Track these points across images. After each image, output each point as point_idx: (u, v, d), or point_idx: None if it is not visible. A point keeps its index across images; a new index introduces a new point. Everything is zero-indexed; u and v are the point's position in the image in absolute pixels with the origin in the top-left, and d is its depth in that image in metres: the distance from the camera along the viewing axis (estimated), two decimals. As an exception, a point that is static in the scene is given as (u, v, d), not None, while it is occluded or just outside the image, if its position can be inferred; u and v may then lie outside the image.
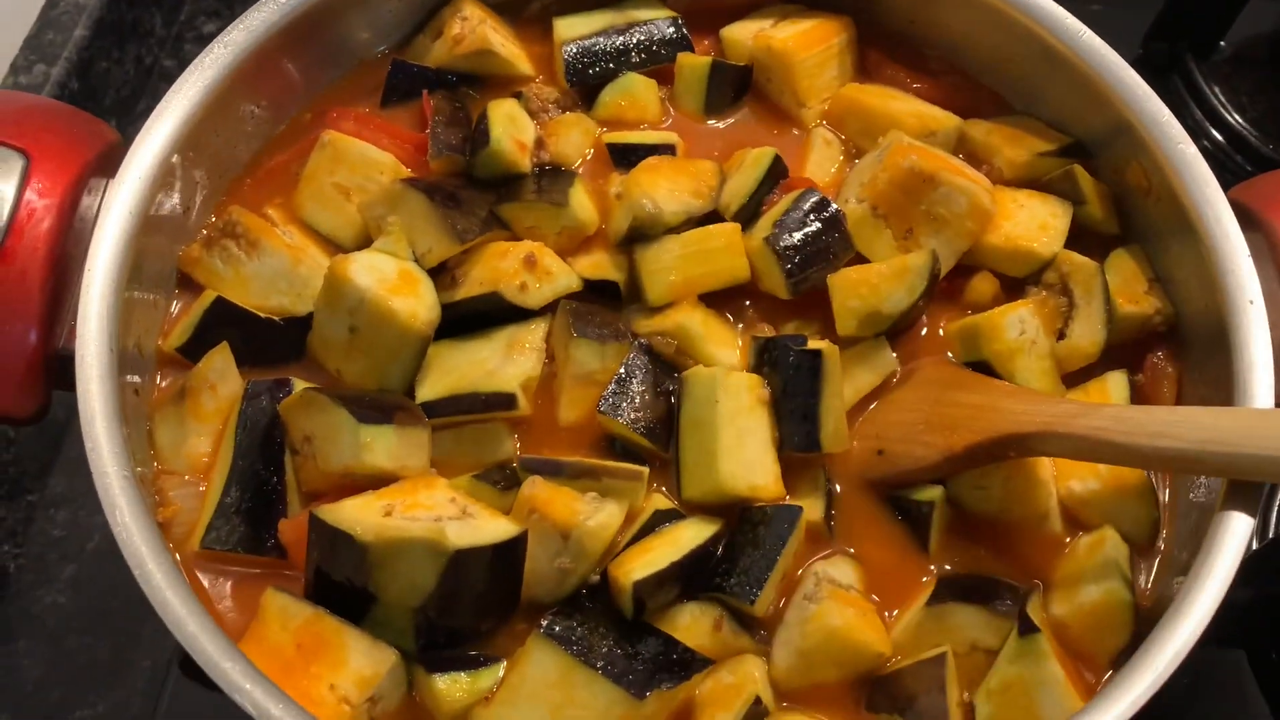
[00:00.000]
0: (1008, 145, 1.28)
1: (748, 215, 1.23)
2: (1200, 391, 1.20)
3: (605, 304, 1.20)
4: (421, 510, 1.01)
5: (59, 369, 1.08)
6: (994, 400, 1.10)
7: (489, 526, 1.01)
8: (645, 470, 1.10)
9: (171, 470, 1.12)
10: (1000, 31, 1.31)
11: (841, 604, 1.04)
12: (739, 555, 1.07)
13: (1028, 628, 1.03)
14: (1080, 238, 1.25)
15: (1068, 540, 1.14)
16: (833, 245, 1.20)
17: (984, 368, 1.18)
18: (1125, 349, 1.22)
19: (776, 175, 1.25)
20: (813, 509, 1.11)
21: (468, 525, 1.00)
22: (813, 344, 1.12)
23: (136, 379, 1.13)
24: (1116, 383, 1.19)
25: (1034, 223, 1.23)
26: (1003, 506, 1.13)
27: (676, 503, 1.12)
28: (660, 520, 1.09)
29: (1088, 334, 1.19)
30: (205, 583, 1.08)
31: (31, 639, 1.42)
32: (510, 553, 1.02)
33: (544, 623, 1.02)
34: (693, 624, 1.05)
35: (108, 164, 1.14)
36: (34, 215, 1.06)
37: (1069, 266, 1.21)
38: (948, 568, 1.13)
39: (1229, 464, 0.98)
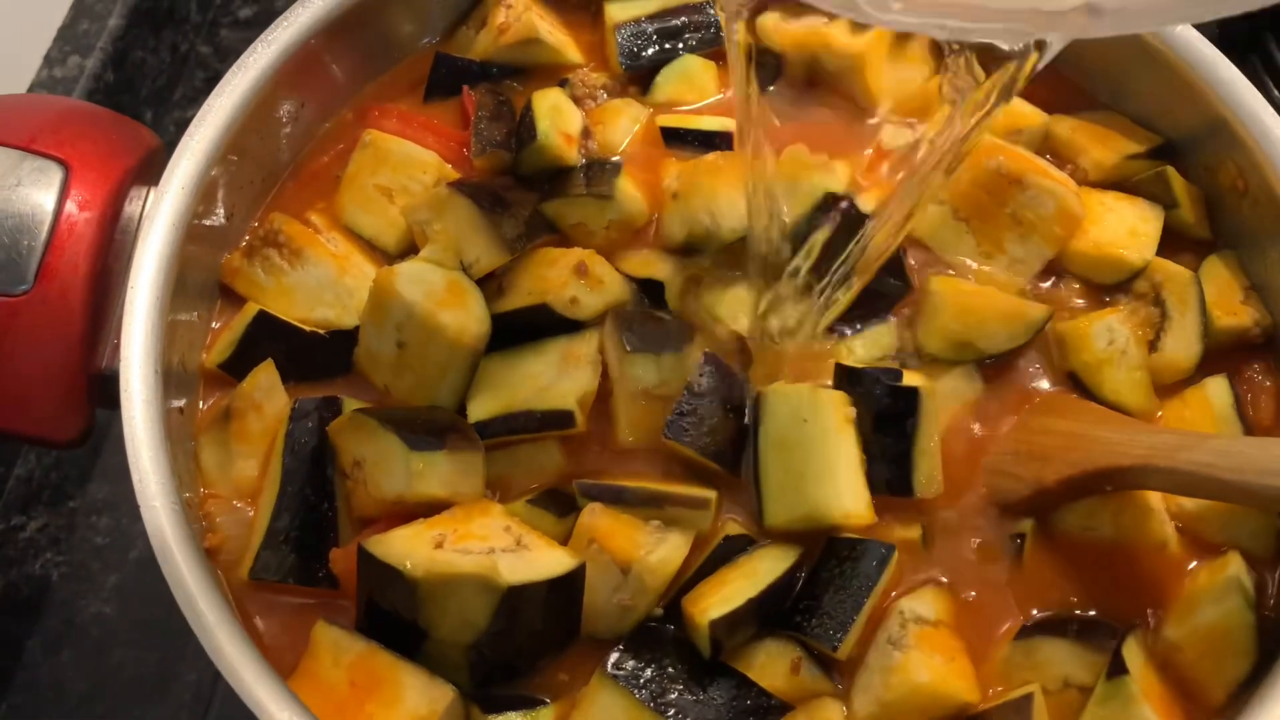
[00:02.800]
0: (1095, 145, 1.21)
1: (800, 239, 1.14)
2: (1302, 407, 1.13)
3: (655, 304, 1.14)
4: (474, 541, 0.96)
5: (101, 389, 1.04)
6: (1087, 428, 1.04)
7: (544, 559, 0.96)
8: (714, 496, 1.04)
9: (218, 494, 1.07)
10: (1087, 21, 1.23)
11: (928, 651, 0.98)
12: (822, 593, 1.00)
13: (1116, 669, 0.97)
14: (1168, 242, 1.18)
15: (1190, 565, 1.06)
16: (891, 292, 1.15)
17: (1072, 381, 1.11)
18: (1219, 359, 1.15)
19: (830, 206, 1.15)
20: (907, 530, 1.05)
21: (522, 559, 0.95)
22: (909, 379, 1.05)
23: (181, 400, 1.08)
24: (1218, 391, 1.11)
25: (1123, 228, 1.16)
26: (1115, 542, 1.06)
27: (750, 529, 1.05)
28: (731, 549, 1.03)
29: (1183, 347, 1.12)
30: (255, 613, 1.04)
31: (76, 650, 1.39)
32: (568, 587, 0.97)
33: (610, 661, 0.96)
34: (769, 663, 1.00)
35: (149, 171, 1.09)
36: (75, 230, 1.02)
37: (1162, 275, 1.14)
38: (1076, 602, 1.06)
39: None
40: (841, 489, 1.02)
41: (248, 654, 0.89)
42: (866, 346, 1.12)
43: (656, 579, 0.99)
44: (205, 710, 1.34)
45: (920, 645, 0.98)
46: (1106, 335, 1.10)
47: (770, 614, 1.01)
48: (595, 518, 1.01)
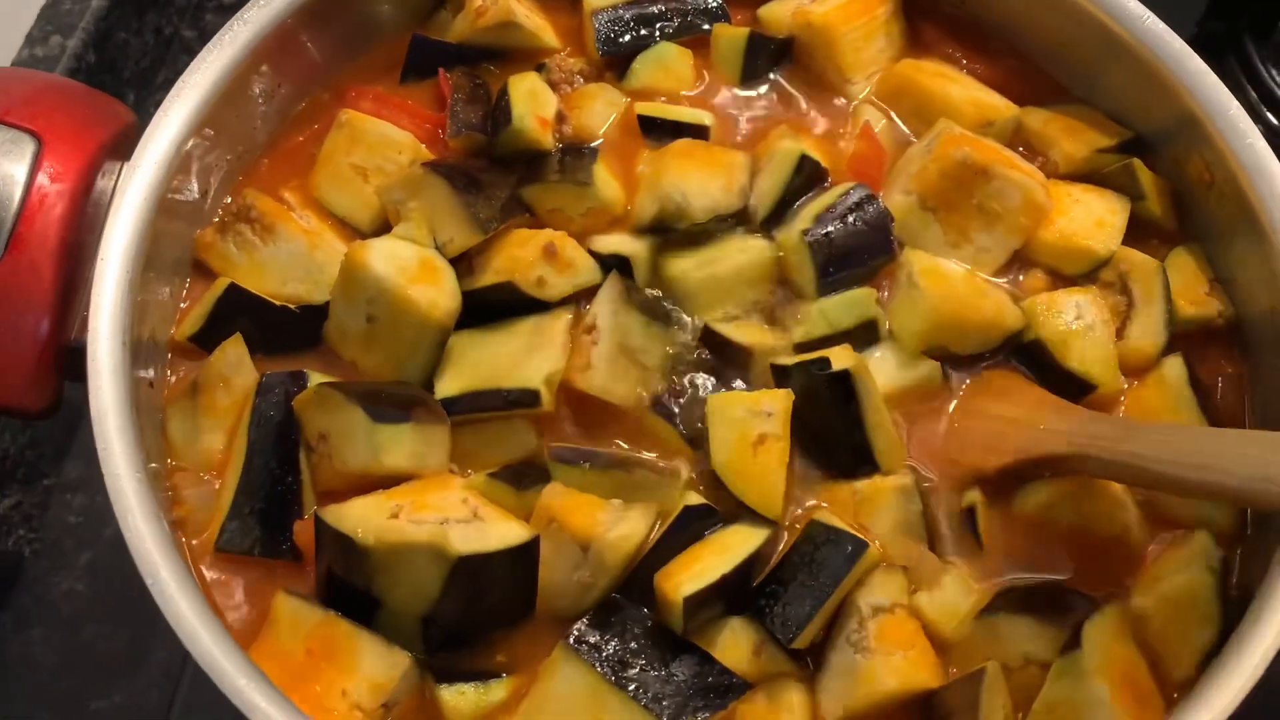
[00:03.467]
0: (1065, 138, 1.22)
1: (777, 218, 1.18)
2: (1263, 396, 1.14)
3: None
4: (430, 512, 0.97)
5: (71, 362, 1.04)
6: (1026, 413, 1.04)
7: (497, 530, 0.97)
8: (684, 470, 1.05)
9: (185, 467, 1.08)
10: (1059, 14, 1.24)
11: (890, 648, 0.98)
12: (789, 578, 1.01)
13: (1070, 644, 0.97)
14: (1136, 234, 1.19)
15: (1152, 547, 1.07)
16: (870, 248, 1.14)
17: (1038, 352, 1.11)
18: (1183, 349, 1.15)
19: (811, 175, 1.19)
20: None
21: (474, 529, 0.96)
22: (838, 362, 1.05)
23: (150, 372, 1.08)
24: (1173, 368, 1.12)
25: (1090, 219, 1.17)
26: (1074, 528, 1.06)
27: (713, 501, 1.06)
28: (692, 519, 1.03)
29: (1148, 335, 1.13)
30: (218, 583, 1.04)
31: (48, 627, 1.39)
32: (521, 559, 0.97)
33: (572, 634, 0.97)
34: (733, 643, 1.00)
35: (123, 145, 1.09)
36: (46, 201, 1.02)
37: (1128, 265, 1.15)
38: (1038, 575, 1.06)
39: None
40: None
41: (208, 622, 0.90)
42: (838, 312, 1.13)
43: (616, 556, 0.99)
44: (175, 687, 1.35)
45: (882, 644, 0.98)
46: (1075, 310, 1.11)
47: (738, 592, 1.01)
48: (555, 497, 1.01)
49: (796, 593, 1.00)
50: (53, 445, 1.48)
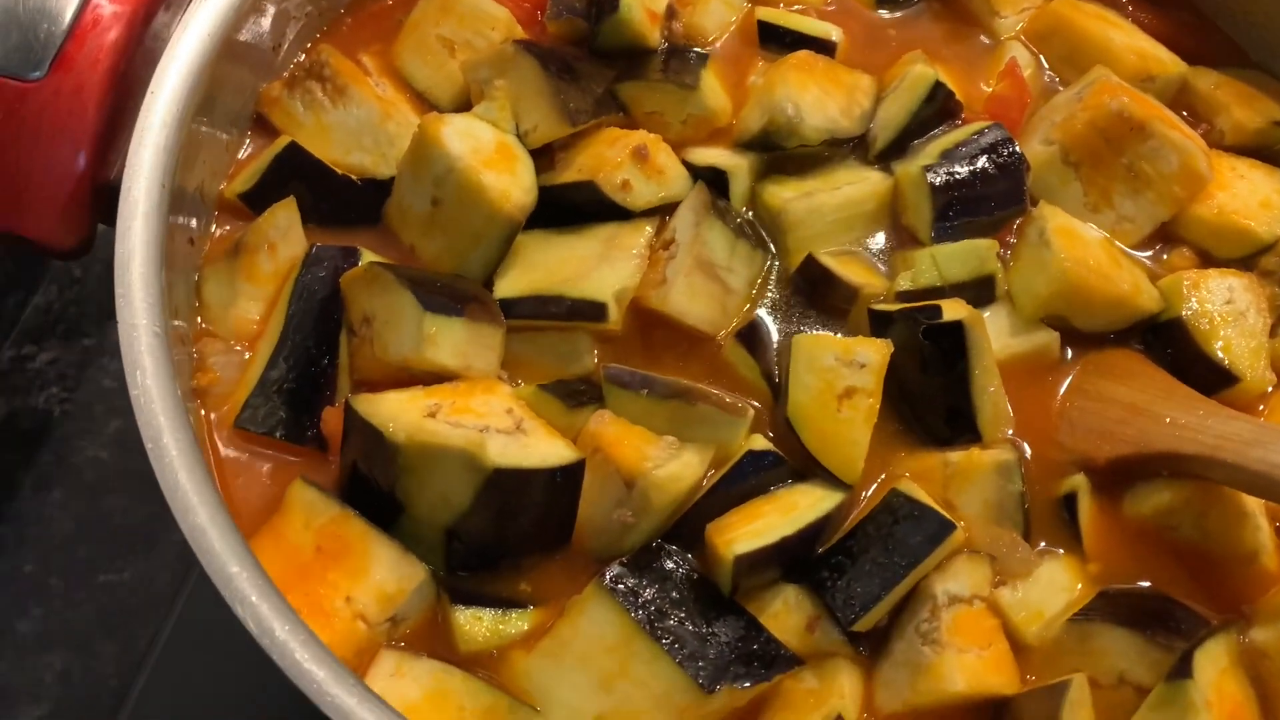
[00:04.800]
0: (1237, 105, 1.09)
1: (898, 150, 1.07)
2: None
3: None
4: (470, 417, 0.87)
5: (108, 203, 0.95)
6: (1150, 402, 0.92)
7: (541, 448, 0.87)
8: (752, 411, 0.95)
9: (216, 333, 0.99)
10: (1251, -35, 1.10)
11: (963, 644, 0.87)
12: (860, 551, 0.90)
13: (1179, 671, 0.84)
14: (1308, 222, 1.05)
15: None
16: (998, 196, 1.02)
17: (1176, 334, 0.98)
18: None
19: (943, 108, 1.07)
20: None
21: (516, 442, 0.86)
22: (949, 313, 0.93)
23: (193, 224, 1.00)
24: None
25: (1255, 198, 1.04)
26: (1193, 542, 0.94)
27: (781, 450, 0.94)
28: (756, 468, 0.92)
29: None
30: (235, 462, 0.96)
31: (67, 490, 1.33)
32: (563, 483, 0.87)
33: (610, 574, 0.87)
34: (784, 613, 0.89)
35: (194, -22, 1.00)
36: (100, 23, 0.94)
37: (1297, 253, 1.01)
38: (1145, 584, 0.94)
39: None
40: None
41: (208, 498, 0.81)
42: (951, 261, 1.00)
43: (664, 497, 0.89)
44: (186, 571, 1.28)
45: (955, 638, 0.87)
46: (1226, 293, 0.99)
47: (799, 559, 0.90)
48: (604, 424, 0.91)
49: (866, 569, 0.89)
50: (98, 305, 1.41)
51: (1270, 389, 0.99)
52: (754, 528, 0.88)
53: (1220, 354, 0.97)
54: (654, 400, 0.93)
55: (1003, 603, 0.90)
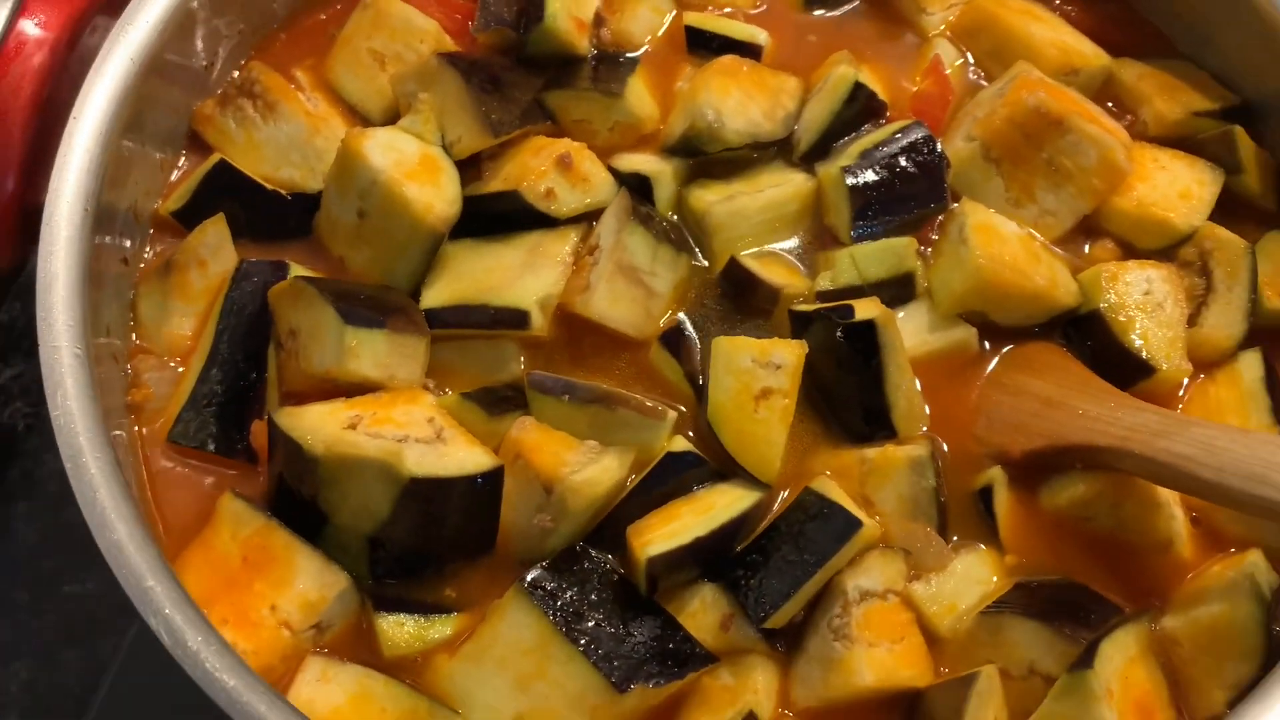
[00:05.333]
0: (1160, 96, 1.09)
1: (822, 151, 1.07)
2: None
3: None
4: (390, 427, 0.89)
5: (38, 225, 0.97)
6: (1065, 395, 0.92)
7: (459, 455, 0.88)
8: (673, 415, 0.96)
9: (150, 349, 1.02)
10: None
11: (874, 638, 0.88)
12: (773, 549, 0.91)
13: (1082, 662, 0.85)
14: (1227, 211, 1.06)
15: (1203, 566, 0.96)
16: (917, 195, 1.03)
17: (1094, 326, 0.99)
18: (1263, 342, 1.02)
19: (866, 108, 1.08)
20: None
21: (434, 451, 0.88)
22: (861, 312, 0.94)
23: (126, 243, 1.02)
24: (1250, 363, 1.00)
25: (1174, 189, 1.04)
26: (1113, 533, 0.95)
27: (700, 450, 0.96)
28: (676, 468, 0.94)
29: (1224, 324, 1.01)
30: (169, 474, 0.98)
31: (32, 503, 1.36)
32: (482, 490, 0.89)
33: (529, 577, 0.89)
34: (701, 611, 0.91)
35: (121, 2, 1.02)
36: (24, 49, 0.96)
37: (1212, 243, 1.02)
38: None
39: None
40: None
41: (126, 514, 0.83)
42: (870, 260, 1.01)
43: (580, 500, 0.90)
44: (147, 580, 1.30)
45: (865, 632, 0.88)
46: (1144, 284, 0.99)
47: (716, 557, 0.92)
48: (524, 431, 0.93)
49: (778, 567, 0.90)
50: (59, 319, 1.43)
51: (1186, 380, 1.00)
52: (670, 529, 0.90)
53: (1138, 344, 0.97)
54: (575, 405, 0.94)
55: (916, 596, 0.91)
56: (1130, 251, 1.05)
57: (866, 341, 0.94)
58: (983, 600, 0.91)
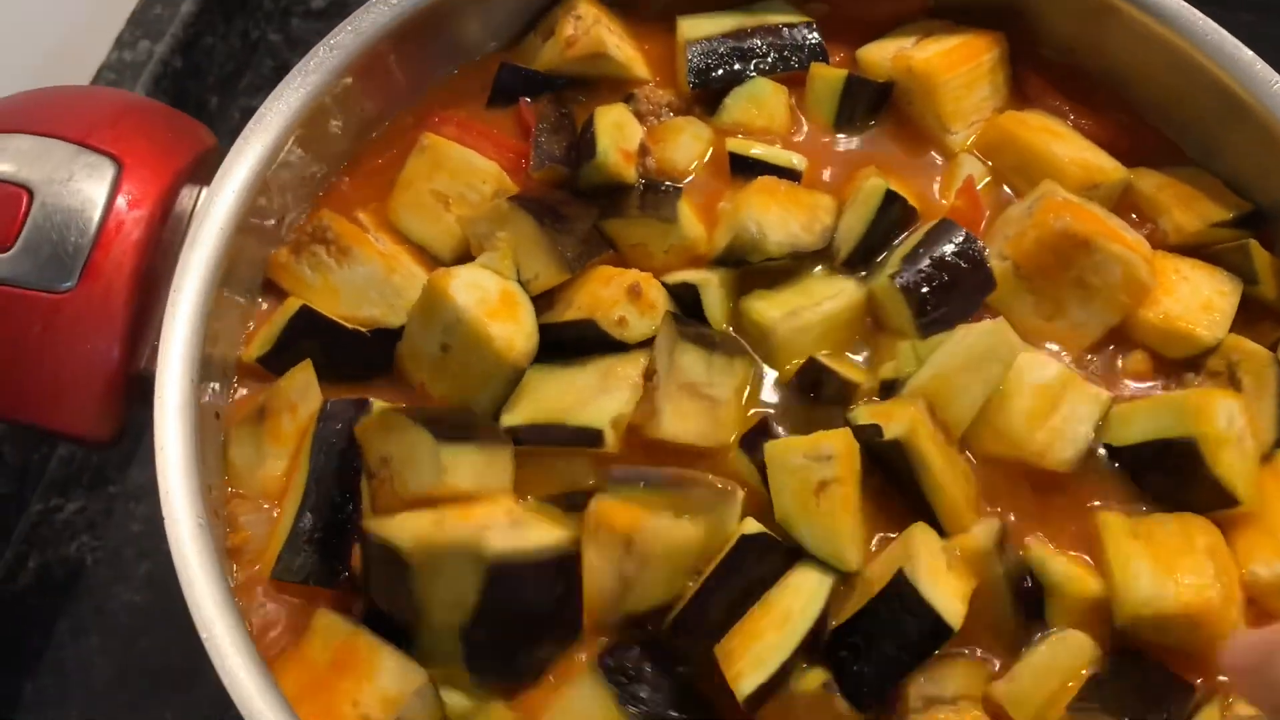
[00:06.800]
0: (1179, 207, 1.15)
1: (860, 258, 1.14)
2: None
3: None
4: (473, 521, 0.95)
5: (140, 389, 1.02)
6: None
7: (535, 533, 0.94)
8: (741, 492, 1.00)
9: (245, 494, 1.06)
10: (1176, 73, 1.18)
11: None
12: (875, 632, 0.94)
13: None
14: (1246, 315, 1.12)
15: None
16: (970, 282, 1.09)
17: (1183, 450, 1.01)
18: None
19: (898, 216, 1.14)
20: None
21: (513, 531, 0.94)
22: (889, 432, 0.98)
23: (215, 388, 1.06)
24: None
25: (1196, 300, 1.10)
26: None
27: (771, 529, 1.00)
28: (752, 551, 0.97)
29: (1259, 431, 1.05)
30: (268, 609, 1.02)
31: (104, 636, 1.39)
32: (560, 563, 0.95)
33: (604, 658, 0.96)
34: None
35: (203, 169, 1.08)
36: (123, 227, 1.00)
37: (1239, 354, 1.08)
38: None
39: None
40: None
41: (264, 689, 0.89)
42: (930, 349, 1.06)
43: (659, 545, 0.95)
44: (227, 707, 1.33)
45: None
46: (1228, 416, 1.00)
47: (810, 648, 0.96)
48: (601, 503, 0.98)
49: (884, 651, 0.93)
50: (119, 453, 1.48)
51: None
52: (756, 653, 0.94)
53: (1225, 476, 1.00)
54: (650, 491, 1.00)
55: (997, 695, 0.95)
56: (1160, 361, 1.11)
57: (900, 453, 0.99)
58: (1064, 693, 0.94)
